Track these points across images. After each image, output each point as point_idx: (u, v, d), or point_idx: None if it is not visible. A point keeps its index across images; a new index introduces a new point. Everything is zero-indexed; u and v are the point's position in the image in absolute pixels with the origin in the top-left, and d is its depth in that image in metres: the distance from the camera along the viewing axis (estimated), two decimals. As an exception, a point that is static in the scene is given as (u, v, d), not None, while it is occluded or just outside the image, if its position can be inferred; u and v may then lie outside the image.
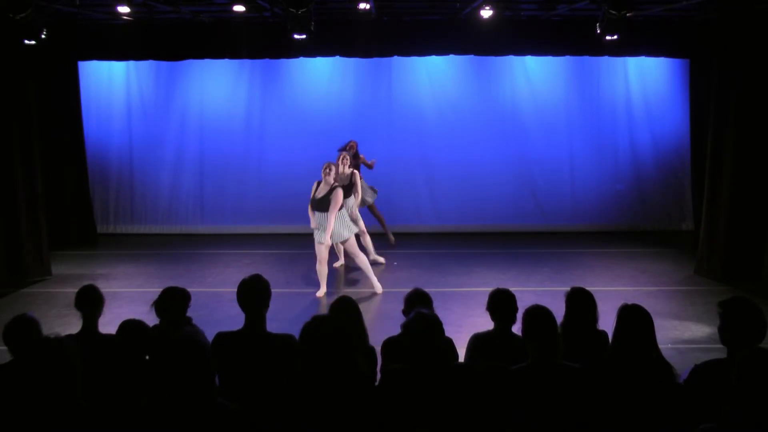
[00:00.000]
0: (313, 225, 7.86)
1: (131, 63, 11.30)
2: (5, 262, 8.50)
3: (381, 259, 9.25)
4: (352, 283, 8.54)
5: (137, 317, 3.83)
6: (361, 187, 8.99)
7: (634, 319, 3.39)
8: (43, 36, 8.22)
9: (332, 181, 7.80)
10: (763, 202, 8.29)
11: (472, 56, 10.60)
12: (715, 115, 8.59)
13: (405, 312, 4.06)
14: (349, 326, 3.22)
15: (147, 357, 3.70)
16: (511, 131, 11.70)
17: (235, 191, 11.79)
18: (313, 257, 7.98)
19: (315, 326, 2.81)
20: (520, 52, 10.35)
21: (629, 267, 9.32)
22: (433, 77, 11.62)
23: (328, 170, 7.82)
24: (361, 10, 8.59)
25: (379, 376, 3.35)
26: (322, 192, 7.78)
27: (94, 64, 11.09)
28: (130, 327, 3.70)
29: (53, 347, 2.67)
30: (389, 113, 11.66)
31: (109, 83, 11.61)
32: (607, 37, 8.23)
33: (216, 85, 11.68)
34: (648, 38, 9.34)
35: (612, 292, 7.54)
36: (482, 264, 9.43)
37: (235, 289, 3.73)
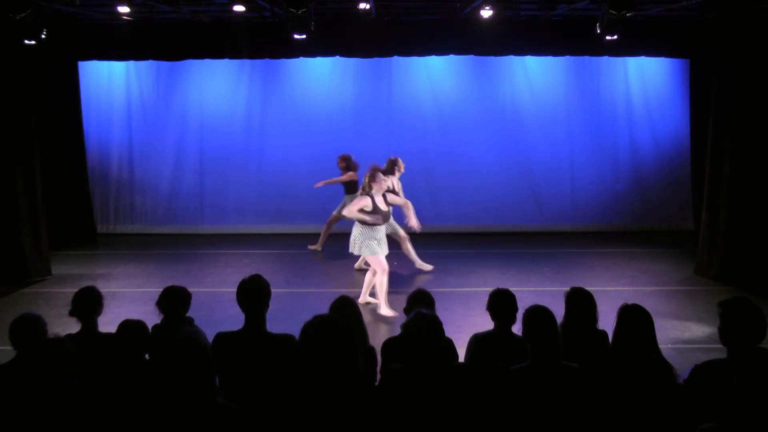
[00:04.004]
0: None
1: (131, 63, 11.29)
2: (5, 262, 8.50)
3: (427, 267, 9.09)
4: (358, 284, 8.53)
5: (137, 317, 3.84)
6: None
7: (634, 319, 3.39)
8: (43, 36, 8.20)
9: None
10: (763, 202, 8.29)
11: (472, 56, 10.59)
12: (714, 114, 8.59)
13: (406, 311, 4.06)
14: (350, 326, 3.22)
15: (147, 357, 3.71)
16: (511, 131, 11.70)
17: (235, 191, 11.78)
18: (310, 258, 7.96)
19: (315, 326, 2.81)
20: (520, 52, 10.32)
21: (629, 267, 9.32)
22: (433, 77, 11.62)
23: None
24: (361, 10, 8.58)
25: (379, 376, 3.35)
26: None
27: (94, 64, 11.08)
28: (130, 327, 3.71)
29: (53, 347, 2.68)
30: (389, 113, 11.65)
31: (109, 83, 11.60)
32: (607, 37, 8.23)
33: (216, 85, 11.67)
34: (648, 38, 9.32)
35: (612, 292, 7.54)
36: (482, 264, 9.42)
37: (235, 289, 3.73)
